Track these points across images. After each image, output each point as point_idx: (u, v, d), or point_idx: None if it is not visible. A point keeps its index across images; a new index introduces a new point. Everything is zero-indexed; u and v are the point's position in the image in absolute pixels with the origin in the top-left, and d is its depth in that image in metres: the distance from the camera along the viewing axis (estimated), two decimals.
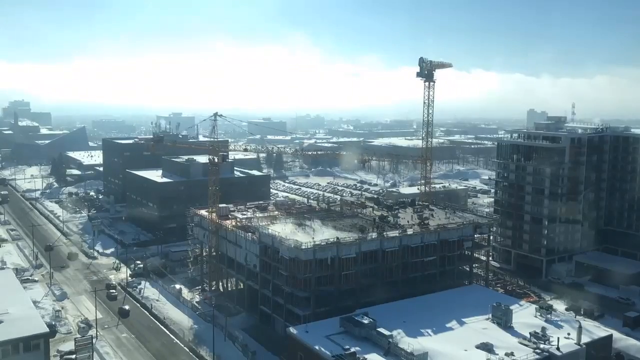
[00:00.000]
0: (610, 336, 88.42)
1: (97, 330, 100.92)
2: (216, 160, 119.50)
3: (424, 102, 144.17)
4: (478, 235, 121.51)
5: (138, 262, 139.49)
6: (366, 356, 74.71)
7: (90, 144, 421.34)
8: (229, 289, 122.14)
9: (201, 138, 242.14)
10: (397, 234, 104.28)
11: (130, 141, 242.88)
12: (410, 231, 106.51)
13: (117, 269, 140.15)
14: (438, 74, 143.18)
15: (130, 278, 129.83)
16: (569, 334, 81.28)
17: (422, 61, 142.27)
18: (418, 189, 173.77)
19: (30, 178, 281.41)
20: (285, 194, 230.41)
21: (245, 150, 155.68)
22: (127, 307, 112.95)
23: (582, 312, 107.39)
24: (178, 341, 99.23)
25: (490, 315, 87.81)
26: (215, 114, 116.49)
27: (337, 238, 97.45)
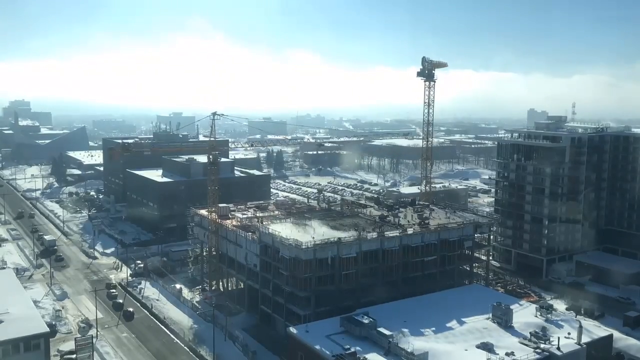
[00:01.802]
0: (611, 336, 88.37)
1: (97, 330, 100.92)
2: (211, 158, 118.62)
3: (424, 102, 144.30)
4: (478, 235, 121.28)
5: (138, 261, 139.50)
6: (366, 356, 74.69)
7: (91, 143, 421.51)
8: (229, 289, 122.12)
9: (201, 138, 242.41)
10: (398, 234, 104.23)
11: (131, 141, 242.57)
12: (410, 231, 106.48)
13: (118, 268, 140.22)
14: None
15: (130, 278, 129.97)
16: (569, 333, 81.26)
17: (424, 61, 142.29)
18: (418, 188, 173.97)
19: (30, 178, 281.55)
20: (285, 194, 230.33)
21: (252, 145, 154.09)
22: (130, 309, 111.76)
23: (582, 312, 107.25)
24: (178, 341, 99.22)
25: (490, 315, 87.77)
26: (214, 114, 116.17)
27: (339, 238, 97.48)
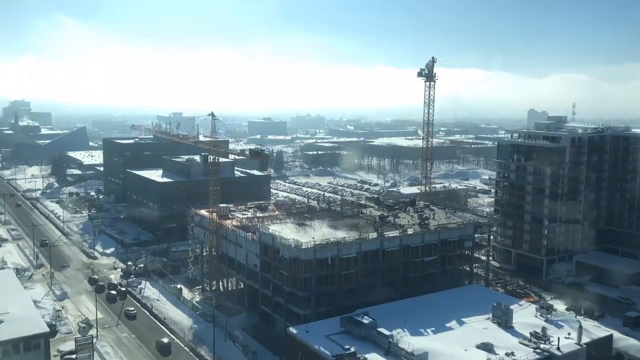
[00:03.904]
0: (611, 336, 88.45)
1: (97, 330, 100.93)
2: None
3: (424, 102, 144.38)
4: (478, 235, 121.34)
5: (136, 262, 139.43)
6: (366, 356, 74.74)
7: (91, 143, 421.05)
8: (230, 289, 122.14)
9: (201, 138, 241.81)
10: (398, 234, 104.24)
11: (131, 141, 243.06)
12: (410, 231, 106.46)
13: (116, 268, 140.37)
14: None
15: (129, 278, 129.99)
16: (569, 333, 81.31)
17: (432, 61, 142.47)
18: (418, 188, 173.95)
19: (30, 178, 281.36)
20: (285, 194, 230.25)
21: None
22: (132, 308, 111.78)
23: (582, 312, 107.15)
24: (178, 341, 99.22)
25: (490, 315, 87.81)
26: (212, 114, 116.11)
27: (343, 237, 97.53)
